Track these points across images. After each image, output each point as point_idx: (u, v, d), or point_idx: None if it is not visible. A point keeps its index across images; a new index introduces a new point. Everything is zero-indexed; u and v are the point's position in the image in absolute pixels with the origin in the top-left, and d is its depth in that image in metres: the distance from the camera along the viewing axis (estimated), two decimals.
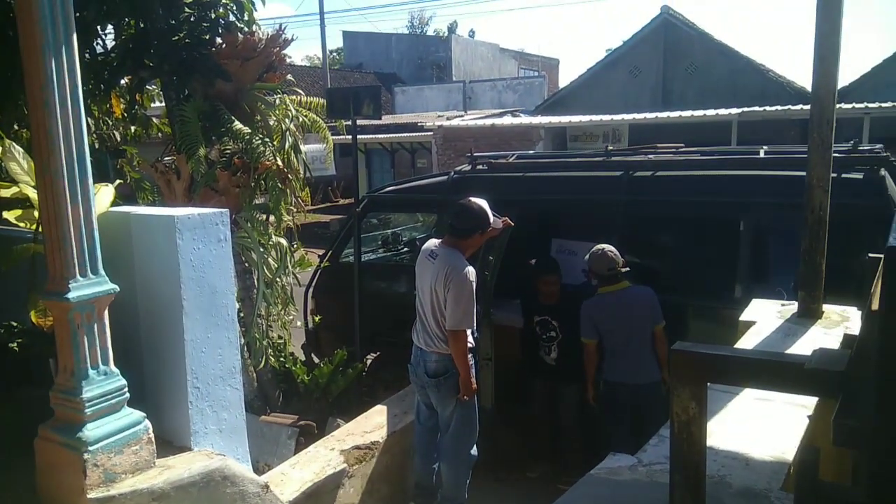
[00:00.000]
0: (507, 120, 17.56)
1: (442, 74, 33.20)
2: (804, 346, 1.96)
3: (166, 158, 4.83)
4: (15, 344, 3.23)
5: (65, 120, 2.76)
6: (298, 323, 5.48)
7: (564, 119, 16.11)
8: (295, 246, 4.98)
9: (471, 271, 3.55)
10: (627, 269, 4.24)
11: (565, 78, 35.48)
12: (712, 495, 1.07)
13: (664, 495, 1.07)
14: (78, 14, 3.58)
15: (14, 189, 3.35)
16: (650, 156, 5.11)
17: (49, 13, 2.75)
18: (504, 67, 35.89)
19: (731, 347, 1.64)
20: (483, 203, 3.74)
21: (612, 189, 4.77)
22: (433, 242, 3.81)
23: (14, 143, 3.34)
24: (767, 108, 14.11)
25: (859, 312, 2.23)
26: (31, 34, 2.71)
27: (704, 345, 1.00)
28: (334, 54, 39.79)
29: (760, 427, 1.38)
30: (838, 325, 2.10)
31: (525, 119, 17.56)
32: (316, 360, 5.45)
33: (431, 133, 17.62)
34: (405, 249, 6.81)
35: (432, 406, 3.78)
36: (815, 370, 0.86)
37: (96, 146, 5.35)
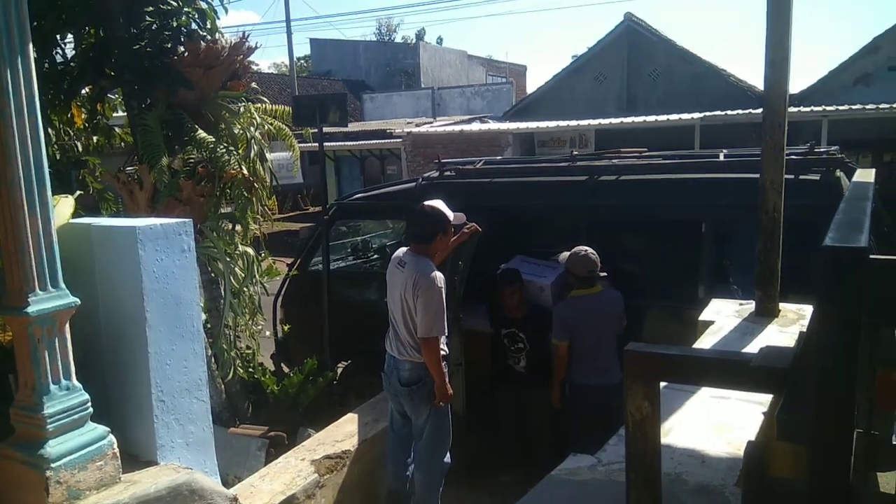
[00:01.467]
0: (476, 126, 17.65)
1: (410, 81, 33.25)
2: (760, 343, 2.01)
3: (129, 168, 4.77)
4: None
5: (21, 130, 2.71)
6: (267, 333, 5.43)
7: (532, 125, 16.26)
8: (262, 255, 4.95)
9: (439, 277, 3.56)
10: (605, 274, 4.29)
11: (532, 84, 35.85)
12: (669, 492, 1.10)
13: (622, 494, 1.09)
14: (35, 23, 3.53)
15: None
16: (614, 160, 5.18)
17: (3, 22, 2.70)
18: (472, 74, 36.08)
19: (683, 347, 1.68)
20: (438, 204, 3.74)
21: (578, 193, 4.83)
22: (402, 251, 3.80)
23: None
24: (729, 112, 14.43)
25: None
26: None
27: (656, 345, 1.03)
28: (302, 61, 39.59)
29: (717, 424, 1.41)
30: (794, 322, 2.16)
31: (493, 125, 17.67)
32: (286, 369, 5.40)
33: (401, 140, 17.63)
34: (375, 256, 6.80)
35: (405, 414, 3.78)
36: (760, 367, 0.89)
37: (57, 157, 5.25)
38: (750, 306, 2.31)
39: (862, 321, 0.73)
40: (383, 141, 19.29)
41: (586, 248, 4.30)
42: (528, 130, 16.25)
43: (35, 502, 2.74)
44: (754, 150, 5.72)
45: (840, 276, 0.70)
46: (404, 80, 33.38)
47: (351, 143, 19.76)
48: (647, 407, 0.99)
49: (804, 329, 2.14)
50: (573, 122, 15.55)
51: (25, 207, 2.69)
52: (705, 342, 1.99)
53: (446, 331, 3.63)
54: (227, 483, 3.59)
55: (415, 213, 3.77)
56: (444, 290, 3.55)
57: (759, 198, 2.19)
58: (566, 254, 4.43)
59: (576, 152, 5.63)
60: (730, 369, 0.93)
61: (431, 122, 20.88)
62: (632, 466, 1.03)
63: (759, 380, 0.88)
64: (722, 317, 2.23)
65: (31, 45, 2.85)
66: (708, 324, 2.17)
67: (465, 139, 16.29)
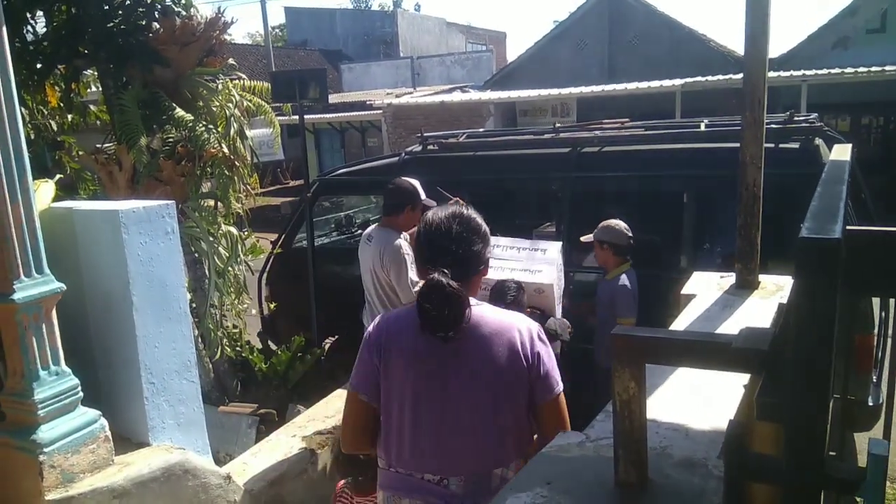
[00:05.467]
0: (457, 96, 17.54)
1: (389, 50, 32.82)
2: (741, 315, 2.07)
3: (107, 145, 4.70)
4: None
5: None
6: (253, 311, 5.44)
7: (513, 94, 16.18)
8: (246, 233, 4.93)
9: (402, 242, 3.52)
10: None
11: (513, 51, 35.58)
12: (655, 466, 1.14)
13: (610, 468, 1.14)
14: (5, 1, 3.43)
15: None
16: (597, 132, 5.20)
17: None
18: (451, 42, 35.67)
19: (667, 329, 1.73)
20: (413, 181, 3.77)
21: (561, 166, 4.85)
22: (371, 227, 3.85)
23: None
24: (709, 77, 14.45)
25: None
26: None
27: (642, 328, 1.07)
28: (277, 31, 38.85)
29: (700, 398, 1.46)
30: (774, 294, 2.22)
31: (474, 95, 17.56)
32: (273, 347, 5.43)
33: (381, 111, 17.48)
34: (359, 232, 6.80)
35: None
36: (740, 349, 0.93)
37: (32, 137, 5.16)
38: (730, 279, 2.37)
39: (837, 307, 0.76)
40: (363, 113, 19.10)
41: (611, 220, 4.18)
42: (509, 100, 16.18)
43: (30, 487, 2.77)
44: (735, 118, 5.76)
45: (815, 267, 0.74)
46: (383, 49, 32.95)
47: (330, 115, 19.55)
48: (633, 387, 1.03)
49: (783, 301, 2.20)
50: (554, 91, 15.50)
51: (7, 194, 2.66)
52: (688, 315, 2.05)
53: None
54: (218, 461, 3.64)
55: (388, 186, 3.80)
56: (409, 255, 3.46)
57: (740, 173, 2.23)
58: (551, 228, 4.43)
59: (558, 124, 5.64)
60: (711, 352, 0.97)
61: (412, 92, 20.71)
62: (620, 444, 1.08)
63: (739, 362, 0.92)
64: (703, 290, 2.29)
65: (4, 28, 2.79)
66: (690, 297, 2.23)
67: (446, 110, 16.20)
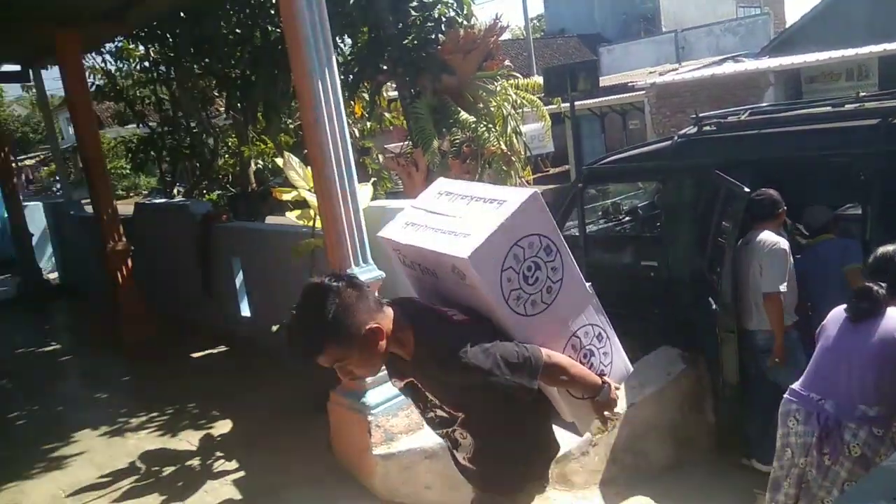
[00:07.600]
0: (729, 67, 16.17)
1: (650, 27, 31.44)
2: None
3: (400, 145, 5.32)
4: None
5: (332, 133, 3.22)
6: None
7: (797, 59, 14.45)
8: None
9: (782, 241, 4.00)
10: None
11: (794, 12, 31.71)
12: None
13: None
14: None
15: (293, 193, 3.98)
16: None
17: (312, 39, 3.19)
18: (720, 9, 32.90)
19: None
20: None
21: (867, 141, 4.26)
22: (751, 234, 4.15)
23: (292, 155, 3.94)
24: None
25: None
26: (300, 61, 3.18)
27: None
28: (534, 21, 39.57)
29: None
30: None
31: (750, 64, 16.06)
32: None
33: (643, 92, 16.88)
34: (627, 219, 6.72)
35: None
36: None
37: None
38: None
39: None
40: (624, 95, 18.59)
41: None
42: (791, 67, 14.49)
43: (361, 442, 3.32)
44: None
45: None
46: (643, 26, 31.66)
47: (590, 100, 19.36)
48: None
49: None
50: (849, 51, 13.51)
51: (340, 199, 3.21)
52: None
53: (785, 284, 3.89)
54: None
55: (763, 195, 4.18)
56: (788, 253, 3.95)
57: None
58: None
59: (862, 93, 4.95)
60: None
61: (676, 69, 19.66)
62: None
63: None
64: None
65: (334, 58, 3.34)
66: None
67: (717, 84, 15.05)
